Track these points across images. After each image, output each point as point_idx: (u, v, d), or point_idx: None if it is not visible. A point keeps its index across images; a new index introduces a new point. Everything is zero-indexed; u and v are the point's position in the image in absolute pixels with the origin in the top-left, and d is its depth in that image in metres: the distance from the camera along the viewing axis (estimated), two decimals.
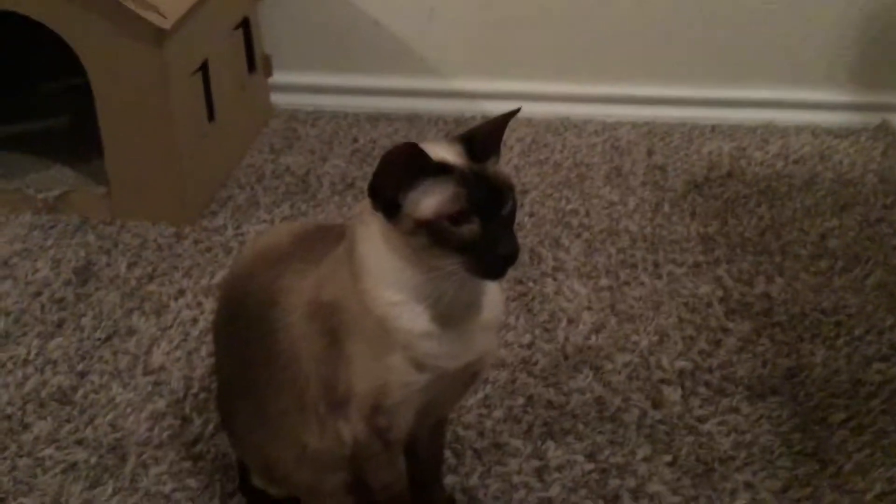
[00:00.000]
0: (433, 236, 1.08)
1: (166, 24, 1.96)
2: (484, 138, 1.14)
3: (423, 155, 1.08)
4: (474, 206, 1.08)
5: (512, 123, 2.81)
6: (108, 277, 1.98)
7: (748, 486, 1.48)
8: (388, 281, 1.14)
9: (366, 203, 1.15)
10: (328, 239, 1.27)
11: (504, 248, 1.09)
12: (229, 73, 2.39)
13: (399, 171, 1.08)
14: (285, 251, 1.28)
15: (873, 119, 2.66)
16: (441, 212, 1.08)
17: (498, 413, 1.64)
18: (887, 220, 2.20)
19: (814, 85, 2.69)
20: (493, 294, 1.21)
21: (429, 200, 1.08)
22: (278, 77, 2.77)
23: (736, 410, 1.64)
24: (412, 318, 1.15)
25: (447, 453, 1.52)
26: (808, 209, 2.25)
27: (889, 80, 2.68)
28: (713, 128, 2.66)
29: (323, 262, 1.24)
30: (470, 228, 1.08)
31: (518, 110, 1.19)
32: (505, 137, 1.18)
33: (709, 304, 1.91)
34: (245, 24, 2.49)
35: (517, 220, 1.14)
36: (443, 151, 1.12)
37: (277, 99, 2.79)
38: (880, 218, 2.21)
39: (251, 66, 2.56)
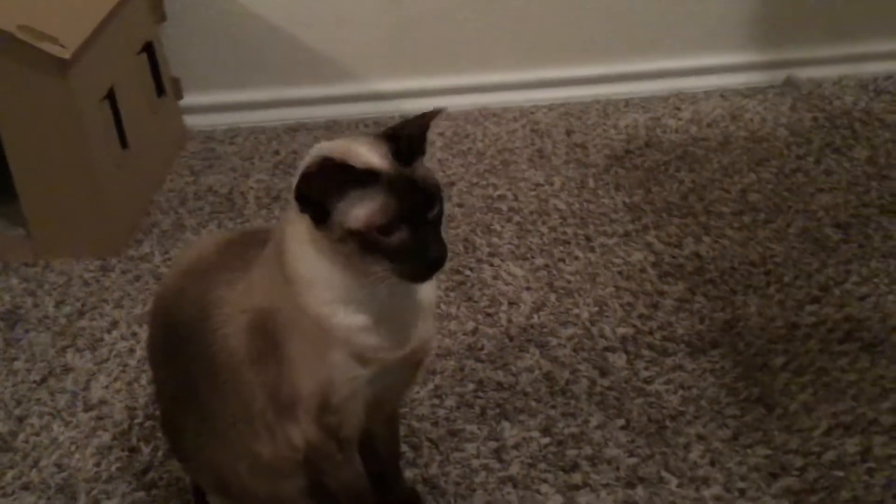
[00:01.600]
0: (363, 245, 1.08)
1: (66, 54, 1.92)
2: (409, 140, 1.13)
3: (348, 168, 1.07)
4: (403, 214, 1.08)
5: None
6: (37, 318, 1.93)
7: (700, 438, 1.51)
8: (319, 282, 1.14)
9: (293, 204, 1.15)
10: (254, 245, 1.26)
11: (433, 253, 1.09)
12: (138, 99, 2.35)
13: (325, 185, 1.07)
14: (212, 262, 1.27)
15: (779, 76, 2.75)
16: (371, 223, 1.07)
17: (450, 401, 1.64)
18: (802, 169, 2.27)
19: (719, 49, 2.76)
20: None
21: (358, 211, 1.07)
22: (189, 99, 2.74)
23: (680, 368, 1.67)
24: (348, 314, 1.14)
25: (404, 447, 1.52)
26: (726, 168, 2.30)
27: (790, 36, 2.76)
28: (626, 102, 2.71)
29: (251, 268, 1.22)
30: (399, 236, 1.08)
31: (442, 110, 1.18)
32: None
33: (642, 270, 1.95)
34: (149, 48, 2.45)
35: (447, 213, 1.14)
36: (368, 153, 1.10)
37: (192, 121, 2.75)
38: (796, 168, 2.27)
39: (160, 89, 2.52)
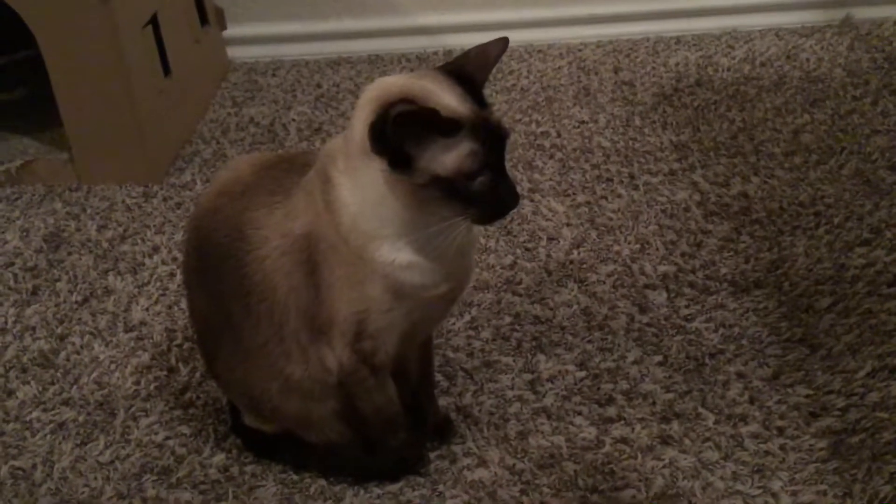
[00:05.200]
0: (446, 191, 1.08)
1: None
2: (483, 78, 1.14)
3: (435, 114, 1.05)
4: (489, 159, 1.09)
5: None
6: (80, 242, 1.95)
7: (740, 375, 1.48)
8: (373, 218, 1.13)
9: (346, 142, 1.13)
10: (293, 169, 1.25)
11: (510, 196, 1.11)
12: (181, 27, 2.34)
13: (412, 132, 1.06)
14: (248, 183, 1.26)
15: (837, 14, 2.65)
16: (460, 170, 1.08)
17: (486, 333, 1.63)
18: (858, 111, 2.19)
19: None
20: None
21: (447, 158, 1.07)
22: (233, 30, 2.72)
23: (722, 306, 1.63)
24: (393, 250, 1.14)
25: (439, 376, 1.51)
26: (779, 108, 2.23)
27: None
28: (678, 39, 2.63)
29: (292, 194, 1.21)
30: (482, 181, 1.09)
31: (506, 40, 1.17)
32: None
33: (687, 209, 1.90)
34: None
35: None
36: (449, 97, 1.10)
37: (235, 53, 2.74)
38: (851, 110, 2.19)
39: (203, 19, 2.50)
